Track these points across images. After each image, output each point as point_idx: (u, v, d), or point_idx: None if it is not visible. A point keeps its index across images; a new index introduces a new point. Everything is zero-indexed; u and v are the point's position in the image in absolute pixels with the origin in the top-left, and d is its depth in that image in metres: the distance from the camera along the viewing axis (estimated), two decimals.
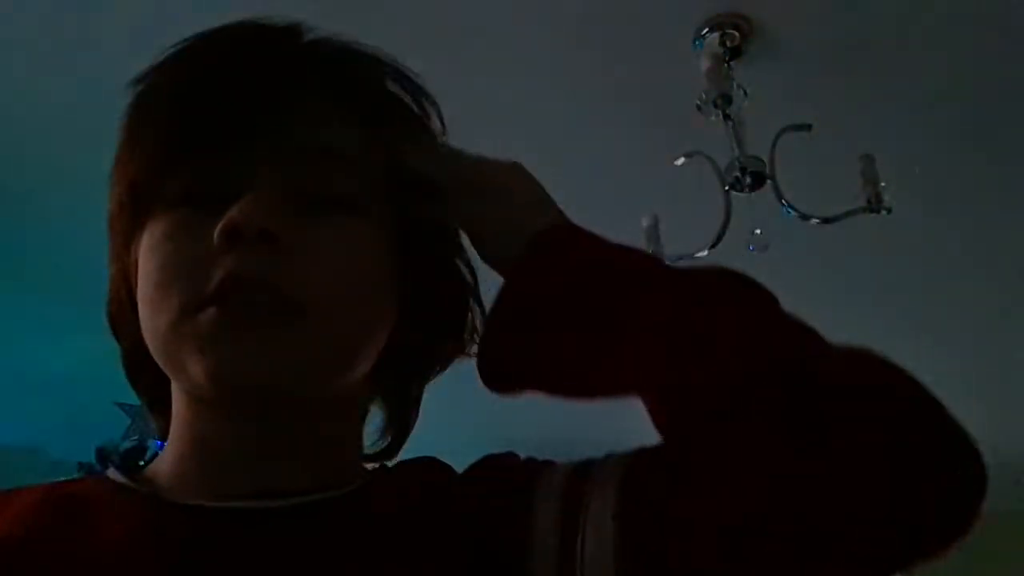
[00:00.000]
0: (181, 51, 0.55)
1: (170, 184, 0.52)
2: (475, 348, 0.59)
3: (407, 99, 0.60)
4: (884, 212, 1.80)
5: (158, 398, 0.58)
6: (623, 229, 2.54)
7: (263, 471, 0.52)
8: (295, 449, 0.54)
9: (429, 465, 0.60)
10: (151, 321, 0.51)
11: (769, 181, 1.86)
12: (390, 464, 0.61)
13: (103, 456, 2.81)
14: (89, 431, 2.80)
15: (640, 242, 2.01)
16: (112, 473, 0.56)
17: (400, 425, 0.62)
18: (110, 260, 0.57)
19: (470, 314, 0.61)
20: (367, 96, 0.57)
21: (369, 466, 0.61)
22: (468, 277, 0.62)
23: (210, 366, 0.48)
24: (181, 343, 0.49)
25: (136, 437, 2.90)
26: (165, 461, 0.55)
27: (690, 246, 1.96)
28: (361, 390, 0.58)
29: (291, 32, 0.57)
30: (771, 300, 0.52)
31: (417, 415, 0.63)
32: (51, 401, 3.19)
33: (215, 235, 0.48)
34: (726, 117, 1.90)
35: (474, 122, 2.41)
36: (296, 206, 0.51)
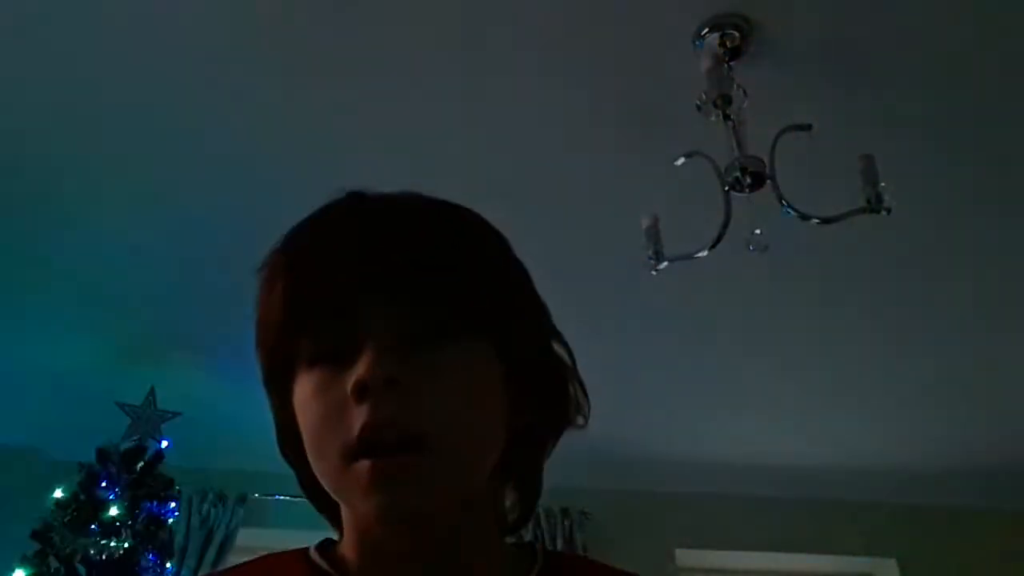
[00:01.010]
0: (293, 232, 0.66)
1: (302, 348, 0.63)
2: (580, 419, 0.71)
3: (487, 243, 0.69)
4: (884, 212, 1.80)
5: (334, 512, 0.69)
6: (623, 229, 2.55)
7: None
8: (454, 553, 0.65)
9: None
10: (317, 467, 0.63)
11: (769, 181, 1.86)
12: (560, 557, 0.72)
13: (103, 456, 2.81)
14: (89, 431, 2.80)
15: (640, 241, 2.01)
16: (314, 555, 0.67)
17: (528, 499, 0.71)
18: (272, 410, 0.69)
19: (573, 390, 0.71)
20: (455, 247, 0.66)
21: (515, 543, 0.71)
22: (567, 358, 0.71)
23: (374, 510, 0.60)
24: (346, 487, 0.60)
25: (136, 437, 2.90)
26: (349, 554, 0.66)
27: (690, 246, 1.96)
28: (490, 478, 0.66)
29: (385, 201, 0.67)
30: None
31: (541, 486, 0.72)
32: (51, 401, 3.19)
33: (349, 391, 0.59)
34: (726, 117, 1.90)
35: (476, 122, 2.43)
36: (409, 349, 0.61)
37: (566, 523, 3.58)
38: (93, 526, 2.65)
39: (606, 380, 3.19)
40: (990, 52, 2.03)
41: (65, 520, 2.66)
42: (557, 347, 0.71)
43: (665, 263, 1.97)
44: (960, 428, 3.47)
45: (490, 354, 0.64)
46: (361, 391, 0.58)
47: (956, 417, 3.41)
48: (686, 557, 3.72)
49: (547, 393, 0.69)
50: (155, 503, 2.78)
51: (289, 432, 0.66)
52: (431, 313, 0.61)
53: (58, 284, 2.73)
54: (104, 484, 2.74)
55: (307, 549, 0.68)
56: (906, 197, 1.93)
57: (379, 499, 0.58)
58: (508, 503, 0.70)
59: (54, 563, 2.61)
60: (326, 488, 0.63)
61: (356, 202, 0.67)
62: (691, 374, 3.16)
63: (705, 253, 1.95)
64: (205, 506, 3.46)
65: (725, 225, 1.90)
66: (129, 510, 2.71)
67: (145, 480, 2.79)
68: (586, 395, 0.71)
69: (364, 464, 0.58)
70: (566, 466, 3.40)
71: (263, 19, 1.93)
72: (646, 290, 2.51)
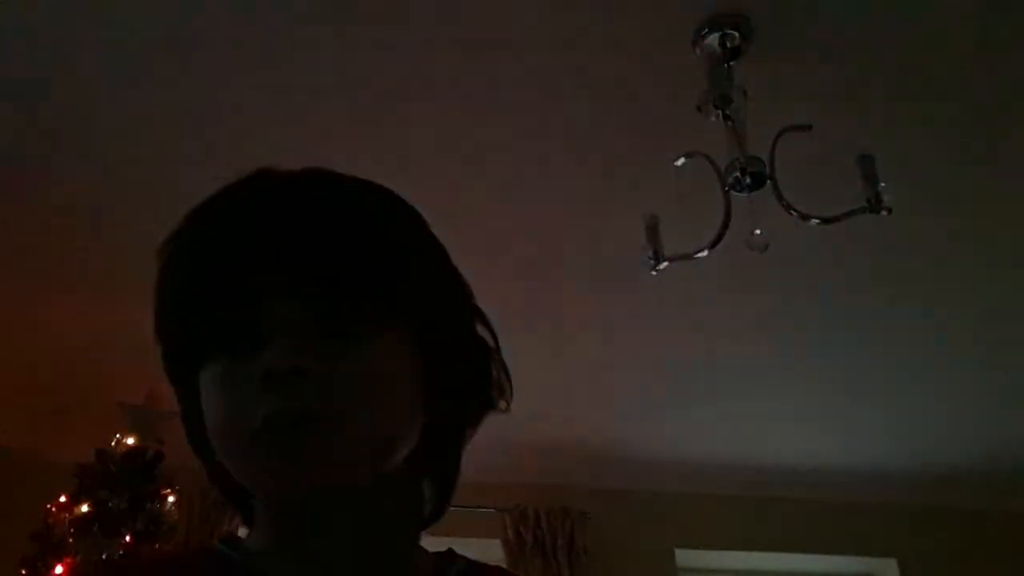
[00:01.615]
0: (197, 212, 0.63)
1: (206, 335, 0.59)
2: (502, 404, 0.67)
3: (402, 222, 0.65)
4: (884, 212, 1.80)
5: (242, 500, 0.66)
6: (623, 229, 2.54)
7: (345, 569, 0.61)
8: (364, 542, 0.62)
9: None
10: (222, 455, 0.60)
11: (769, 181, 1.86)
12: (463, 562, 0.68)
13: (103, 456, 2.81)
14: (89, 431, 2.80)
15: (640, 241, 2.01)
16: (218, 544, 0.64)
17: (445, 489, 0.68)
18: (177, 399, 0.66)
19: (495, 373, 0.67)
20: (368, 228, 0.62)
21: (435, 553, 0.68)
22: (489, 339, 0.67)
23: (277, 489, 0.58)
24: (251, 473, 0.59)
25: (136, 437, 2.90)
26: (261, 542, 0.64)
27: (690, 246, 1.96)
28: (408, 468, 0.63)
29: (294, 178, 0.63)
30: None
31: (459, 475, 0.68)
32: (51, 401, 3.19)
33: (255, 381, 0.56)
34: (726, 117, 1.90)
35: (476, 123, 2.43)
36: (319, 335, 0.58)
37: (566, 523, 3.58)
38: (93, 526, 2.65)
39: (606, 380, 3.21)
40: (991, 52, 2.02)
41: (65, 520, 2.66)
42: (479, 328, 0.68)
43: (665, 263, 1.97)
44: (960, 428, 3.47)
45: (405, 338, 0.61)
46: (267, 380, 0.56)
47: (956, 417, 3.41)
48: (686, 557, 3.72)
49: (468, 377, 0.66)
50: (155, 503, 2.78)
51: (196, 421, 0.63)
52: (342, 297, 0.59)
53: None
54: (104, 484, 2.74)
55: (213, 542, 0.66)
56: (906, 197, 1.93)
57: (281, 477, 0.56)
58: (426, 494, 0.67)
59: (54, 564, 2.61)
60: (233, 474, 0.60)
61: (263, 180, 0.63)
62: (691, 374, 3.16)
63: (705, 253, 1.95)
64: (205, 506, 3.46)
65: (725, 225, 1.90)
66: (129, 510, 2.71)
67: (145, 480, 2.79)
68: (509, 377, 0.68)
69: (264, 451, 0.56)
70: (566, 466, 3.41)
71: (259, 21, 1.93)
72: (646, 290, 2.51)
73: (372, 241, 0.61)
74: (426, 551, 0.67)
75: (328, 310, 0.58)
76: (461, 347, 0.66)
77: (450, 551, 0.69)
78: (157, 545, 2.72)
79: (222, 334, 0.59)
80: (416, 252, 0.64)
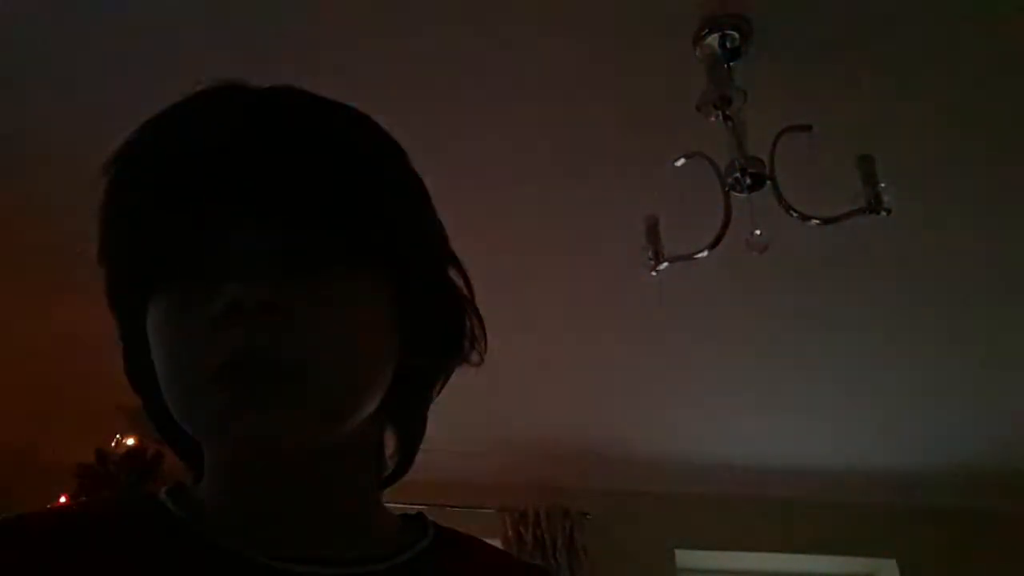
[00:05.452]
0: (154, 123, 0.56)
1: (160, 262, 0.53)
2: (475, 356, 0.62)
3: (382, 152, 0.60)
4: (884, 212, 1.80)
5: (186, 446, 0.61)
6: (623, 229, 2.54)
7: (302, 529, 0.56)
8: (323, 500, 0.57)
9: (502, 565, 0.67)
10: (170, 395, 0.54)
11: (769, 181, 1.86)
12: (440, 531, 0.64)
13: (103, 456, 2.81)
14: (89, 431, 2.80)
15: (640, 242, 2.01)
16: (163, 497, 0.58)
17: (410, 445, 0.64)
18: (119, 331, 0.60)
19: (469, 323, 0.62)
20: (345, 154, 0.56)
21: (399, 513, 0.64)
22: (464, 288, 0.62)
23: (234, 442, 0.53)
24: (201, 418, 0.53)
25: (136, 437, 2.90)
26: (206, 498, 0.58)
27: (690, 246, 1.96)
28: (372, 422, 0.59)
29: (265, 94, 0.57)
30: None
31: (425, 430, 0.64)
32: (51, 401, 3.19)
33: (218, 312, 0.50)
34: (726, 117, 1.90)
35: (476, 123, 2.43)
36: (289, 270, 0.52)
37: (566, 523, 3.57)
38: None
39: (606, 381, 3.21)
40: (990, 52, 2.02)
41: None
42: (453, 274, 0.62)
43: (665, 263, 1.97)
44: (960, 428, 3.47)
45: (381, 281, 0.56)
46: (232, 313, 0.50)
47: (956, 417, 3.41)
48: (686, 557, 3.72)
49: (442, 327, 0.61)
50: None
51: (138, 356, 0.56)
52: (314, 228, 0.52)
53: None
54: (104, 484, 2.74)
55: (156, 493, 0.60)
56: (906, 197, 1.93)
57: (240, 428, 0.50)
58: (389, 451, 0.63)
59: None
60: (179, 419, 0.54)
61: (231, 93, 0.56)
62: (691, 374, 3.16)
63: (705, 253, 1.95)
64: None
65: (725, 225, 1.90)
66: None
67: (145, 480, 2.79)
68: (483, 328, 0.63)
69: (226, 391, 0.50)
70: (566, 466, 3.40)
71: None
72: (646, 291, 2.50)
73: (350, 169, 0.55)
74: (391, 512, 0.63)
75: (297, 242, 0.52)
76: (437, 295, 0.60)
77: (420, 515, 0.65)
78: None
79: (177, 259, 0.52)
80: (396, 186, 0.58)
